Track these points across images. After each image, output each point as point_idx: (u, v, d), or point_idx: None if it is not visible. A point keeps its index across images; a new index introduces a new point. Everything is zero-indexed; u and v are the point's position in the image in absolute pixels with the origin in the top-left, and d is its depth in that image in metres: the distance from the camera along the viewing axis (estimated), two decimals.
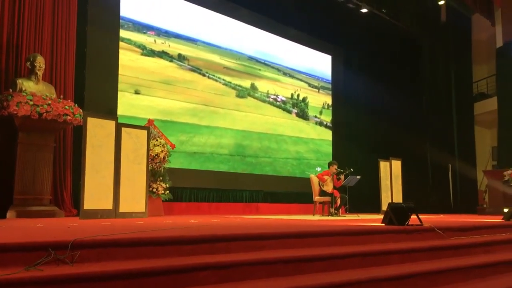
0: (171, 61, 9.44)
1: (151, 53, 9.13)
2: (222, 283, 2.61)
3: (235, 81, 10.69)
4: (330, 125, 12.85)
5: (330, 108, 13.03)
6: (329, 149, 12.57)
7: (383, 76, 13.47)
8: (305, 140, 11.98)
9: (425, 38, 13.75)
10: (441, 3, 13.33)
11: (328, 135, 12.76)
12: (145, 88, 8.87)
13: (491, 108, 13.66)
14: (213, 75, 10.19)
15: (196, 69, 9.88)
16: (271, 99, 11.46)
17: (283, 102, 11.76)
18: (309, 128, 12.25)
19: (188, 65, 9.77)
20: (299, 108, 12.09)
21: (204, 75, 10.01)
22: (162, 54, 9.31)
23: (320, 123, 12.57)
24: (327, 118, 12.80)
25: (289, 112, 11.84)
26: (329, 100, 13.07)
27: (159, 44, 9.33)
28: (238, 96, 10.63)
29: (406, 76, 13.90)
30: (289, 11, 11.63)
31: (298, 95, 12.21)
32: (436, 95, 13.81)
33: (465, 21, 14.14)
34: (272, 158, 10.98)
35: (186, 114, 9.43)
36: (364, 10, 12.00)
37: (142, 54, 8.97)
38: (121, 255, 2.62)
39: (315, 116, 12.49)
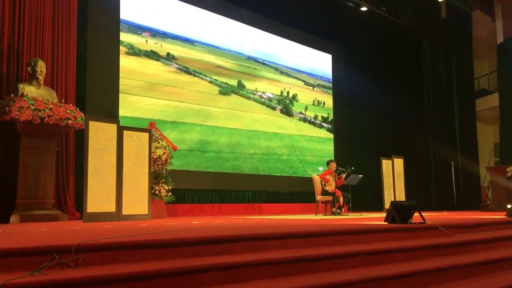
0: (157, 60, 9.29)
1: (138, 52, 8.97)
2: (226, 284, 2.62)
3: (225, 79, 10.54)
4: (314, 120, 12.61)
5: (321, 105, 12.89)
6: (306, 144, 12.22)
7: (384, 74, 13.48)
8: (282, 136, 11.66)
9: (425, 35, 13.72)
10: (441, 0, 13.31)
11: (310, 130, 12.48)
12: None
13: (493, 104, 13.62)
14: (200, 73, 10.02)
15: (182, 68, 9.70)
16: (257, 96, 11.27)
17: (269, 99, 11.58)
18: (292, 124, 12.02)
19: (175, 63, 9.61)
20: (283, 104, 11.88)
21: (189, 74, 9.85)
22: (150, 54, 9.17)
23: (304, 119, 12.37)
24: (311, 113, 12.58)
25: (273, 108, 11.64)
26: (321, 97, 12.94)
27: (151, 44, 9.22)
28: (220, 93, 10.44)
29: (407, 74, 13.87)
30: (288, 10, 11.63)
31: (288, 92, 12.06)
32: (438, 92, 13.78)
33: (465, 18, 14.10)
34: (237, 154, 10.55)
35: (154, 111, 9.07)
36: (364, 8, 11.98)
37: (126, 53, 8.79)
38: (125, 257, 2.63)
39: (300, 113, 12.28)
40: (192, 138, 9.71)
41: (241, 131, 10.76)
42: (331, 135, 12.99)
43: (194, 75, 9.98)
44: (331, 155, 12.41)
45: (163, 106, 9.30)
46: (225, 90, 10.57)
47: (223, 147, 10.29)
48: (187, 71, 9.85)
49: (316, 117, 12.73)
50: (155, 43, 9.34)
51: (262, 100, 11.42)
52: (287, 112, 11.98)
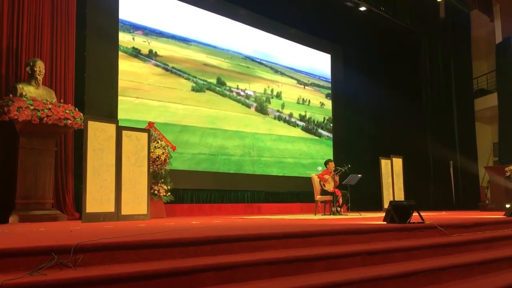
0: (135, 56, 8.94)
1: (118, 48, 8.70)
2: (225, 284, 2.62)
3: (207, 77, 10.11)
4: (289, 118, 12.00)
5: (306, 103, 12.54)
6: (269, 143, 11.31)
7: (383, 74, 13.50)
8: (243, 134, 10.70)
9: (424, 35, 13.75)
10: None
11: (282, 129, 11.75)
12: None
13: (492, 104, 13.66)
14: (178, 70, 9.60)
15: (160, 64, 9.33)
16: (234, 93, 10.68)
17: (247, 96, 10.96)
18: (263, 123, 11.21)
19: (154, 60, 9.25)
20: (258, 102, 11.24)
21: (167, 70, 9.43)
22: (129, 51, 8.89)
23: (279, 117, 11.71)
24: (286, 111, 11.92)
25: (248, 106, 10.96)
26: (310, 96, 12.69)
27: (138, 42, 8.99)
28: (193, 90, 9.82)
29: (406, 73, 13.89)
30: (287, 10, 11.64)
31: (272, 90, 11.61)
32: (436, 92, 13.81)
33: (464, 17, 14.13)
34: (176, 154, 8.67)
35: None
36: (362, 8, 12.00)
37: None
38: (124, 258, 2.63)
39: (277, 111, 11.70)
40: None
41: (194, 128, 9.71)
42: (305, 134, 12.37)
43: (172, 72, 9.51)
44: (293, 156, 11.84)
45: (121, 102, 8.60)
46: (199, 87, 9.93)
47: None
48: (165, 67, 9.42)
49: (291, 114, 12.03)
50: (144, 41, 9.13)
51: (238, 97, 10.78)
52: (261, 110, 11.29)
